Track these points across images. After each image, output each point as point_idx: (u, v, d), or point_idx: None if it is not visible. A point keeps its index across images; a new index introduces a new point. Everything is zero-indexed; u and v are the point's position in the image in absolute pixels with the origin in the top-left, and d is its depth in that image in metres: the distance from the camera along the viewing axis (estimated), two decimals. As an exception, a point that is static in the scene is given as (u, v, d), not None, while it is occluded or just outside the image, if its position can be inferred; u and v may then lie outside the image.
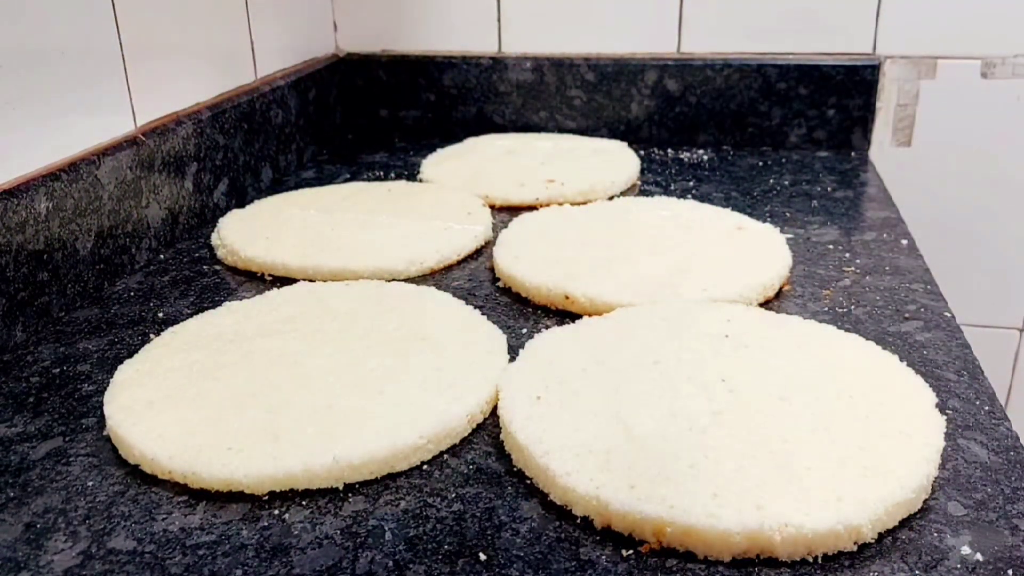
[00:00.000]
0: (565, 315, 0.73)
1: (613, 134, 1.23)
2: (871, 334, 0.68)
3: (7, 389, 0.65)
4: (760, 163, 1.14)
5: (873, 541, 0.47)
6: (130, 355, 0.67)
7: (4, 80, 0.71)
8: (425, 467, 0.55)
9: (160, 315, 0.76)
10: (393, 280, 0.80)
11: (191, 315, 0.74)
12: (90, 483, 0.54)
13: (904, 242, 0.87)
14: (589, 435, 0.54)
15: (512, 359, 0.64)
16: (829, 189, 1.03)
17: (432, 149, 1.18)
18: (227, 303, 0.75)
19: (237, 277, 0.84)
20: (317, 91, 1.22)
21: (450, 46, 1.26)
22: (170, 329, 0.70)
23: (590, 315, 0.70)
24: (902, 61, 1.13)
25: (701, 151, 1.19)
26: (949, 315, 0.72)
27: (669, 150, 1.20)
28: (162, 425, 0.57)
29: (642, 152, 1.17)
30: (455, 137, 1.23)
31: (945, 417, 0.56)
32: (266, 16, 1.10)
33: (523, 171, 1.06)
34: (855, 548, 0.47)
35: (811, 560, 0.46)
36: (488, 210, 0.94)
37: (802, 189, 1.04)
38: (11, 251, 0.69)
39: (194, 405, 0.59)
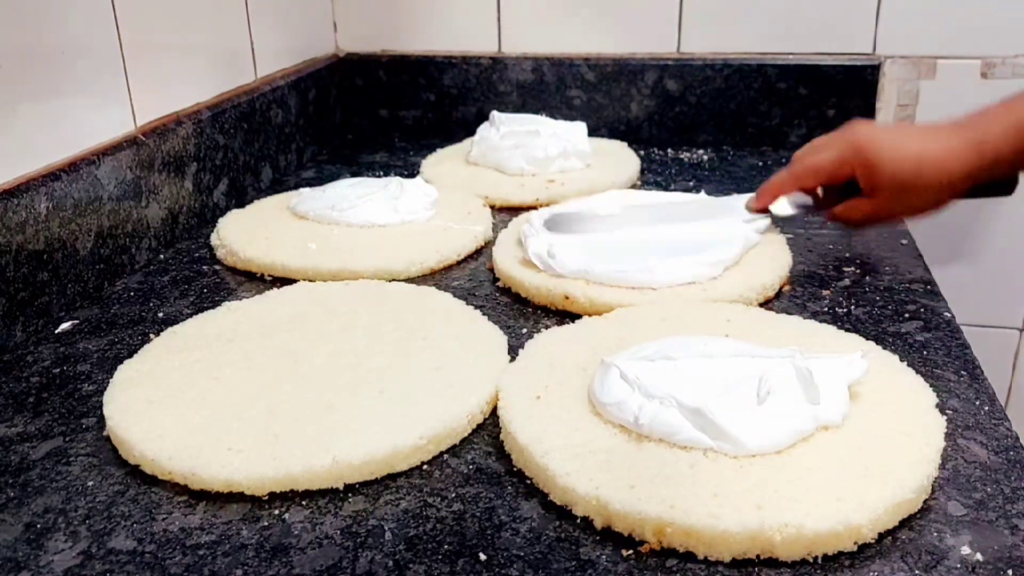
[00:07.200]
0: (565, 315, 0.73)
1: (613, 134, 1.23)
2: (871, 334, 0.68)
3: (7, 389, 0.65)
4: (760, 163, 1.14)
5: (873, 541, 0.47)
6: (130, 355, 0.67)
7: (4, 80, 0.71)
8: (425, 467, 0.55)
9: (160, 315, 0.76)
10: (393, 280, 0.80)
11: (191, 315, 0.74)
12: (90, 483, 0.54)
13: (904, 242, 0.87)
14: (589, 435, 0.54)
15: (512, 359, 0.64)
16: (829, 189, 1.03)
17: (432, 149, 1.18)
18: (227, 303, 0.75)
19: (237, 277, 0.84)
20: (317, 91, 1.22)
21: (450, 46, 1.26)
22: (170, 329, 0.70)
23: (590, 315, 0.70)
24: (902, 61, 1.13)
25: (701, 151, 1.19)
26: (949, 315, 0.72)
27: (669, 150, 1.20)
28: (162, 425, 0.57)
29: (642, 152, 1.17)
30: (455, 137, 1.23)
31: (945, 417, 0.56)
32: (266, 16, 1.10)
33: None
34: (855, 548, 0.47)
35: (811, 560, 0.46)
36: (488, 210, 0.95)
37: (802, 189, 1.04)
38: (11, 251, 0.69)
39: (194, 405, 0.59)
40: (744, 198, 0.82)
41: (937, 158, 0.69)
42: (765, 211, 0.81)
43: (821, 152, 0.75)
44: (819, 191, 0.79)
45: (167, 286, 0.82)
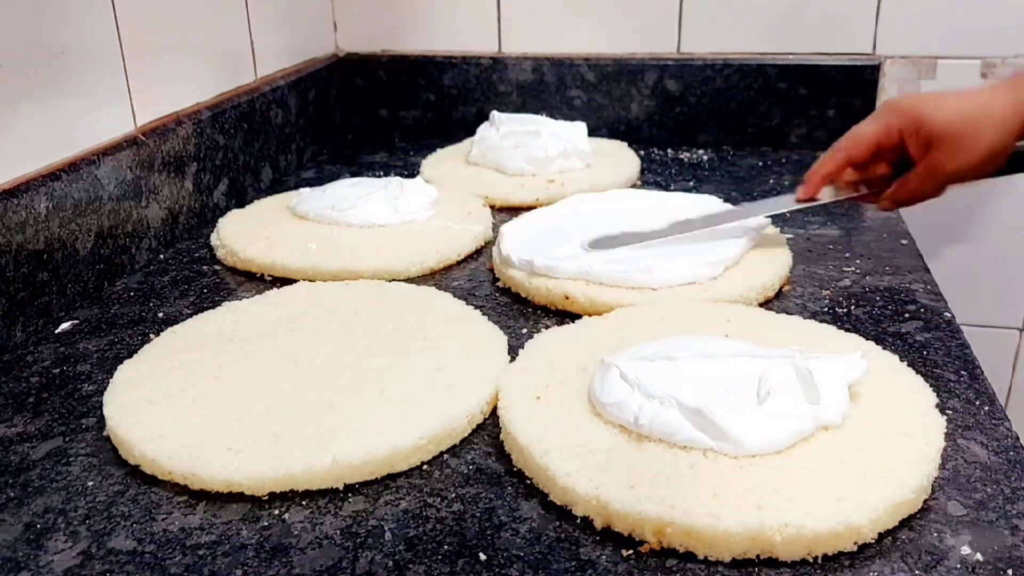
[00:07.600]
0: (565, 315, 0.73)
1: (613, 134, 1.23)
2: (871, 334, 0.68)
3: (7, 389, 0.65)
4: (760, 163, 1.14)
5: (873, 541, 0.47)
6: (130, 355, 0.67)
7: (5, 80, 0.71)
8: (425, 467, 0.55)
9: (160, 315, 0.76)
10: (393, 280, 0.80)
11: (191, 315, 0.74)
12: (90, 483, 0.54)
13: (904, 242, 0.87)
14: (589, 435, 0.54)
15: (512, 359, 0.64)
16: (829, 189, 1.03)
17: (432, 149, 1.18)
18: (227, 303, 0.75)
19: (237, 277, 0.84)
20: (317, 91, 1.22)
21: (450, 46, 1.26)
22: (170, 329, 0.70)
23: (590, 315, 0.70)
24: (902, 61, 1.13)
25: (701, 151, 1.19)
26: (949, 315, 0.72)
27: (669, 150, 1.20)
28: (162, 425, 0.57)
29: (642, 152, 1.17)
30: (455, 137, 1.23)
31: (945, 417, 0.56)
32: (266, 16, 1.10)
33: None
34: (855, 548, 0.47)
35: (811, 560, 0.46)
36: (488, 210, 0.95)
37: (802, 189, 1.03)
38: (11, 251, 0.69)
39: (194, 405, 0.59)
40: (762, 205, 0.81)
41: (984, 104, 0.69)
42: (814, 199, 0.78)
43: (863, 124, 0.74)
44: (862, 188, 0.77)
45: (167, 286, 0.82)
